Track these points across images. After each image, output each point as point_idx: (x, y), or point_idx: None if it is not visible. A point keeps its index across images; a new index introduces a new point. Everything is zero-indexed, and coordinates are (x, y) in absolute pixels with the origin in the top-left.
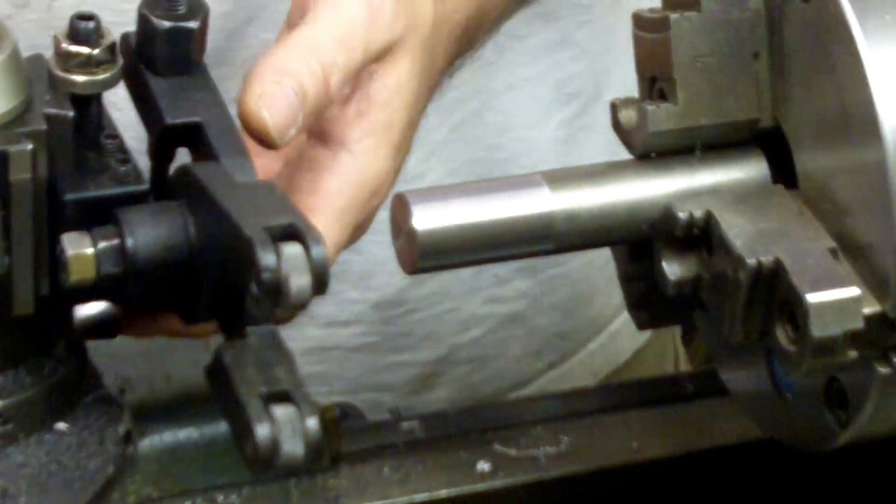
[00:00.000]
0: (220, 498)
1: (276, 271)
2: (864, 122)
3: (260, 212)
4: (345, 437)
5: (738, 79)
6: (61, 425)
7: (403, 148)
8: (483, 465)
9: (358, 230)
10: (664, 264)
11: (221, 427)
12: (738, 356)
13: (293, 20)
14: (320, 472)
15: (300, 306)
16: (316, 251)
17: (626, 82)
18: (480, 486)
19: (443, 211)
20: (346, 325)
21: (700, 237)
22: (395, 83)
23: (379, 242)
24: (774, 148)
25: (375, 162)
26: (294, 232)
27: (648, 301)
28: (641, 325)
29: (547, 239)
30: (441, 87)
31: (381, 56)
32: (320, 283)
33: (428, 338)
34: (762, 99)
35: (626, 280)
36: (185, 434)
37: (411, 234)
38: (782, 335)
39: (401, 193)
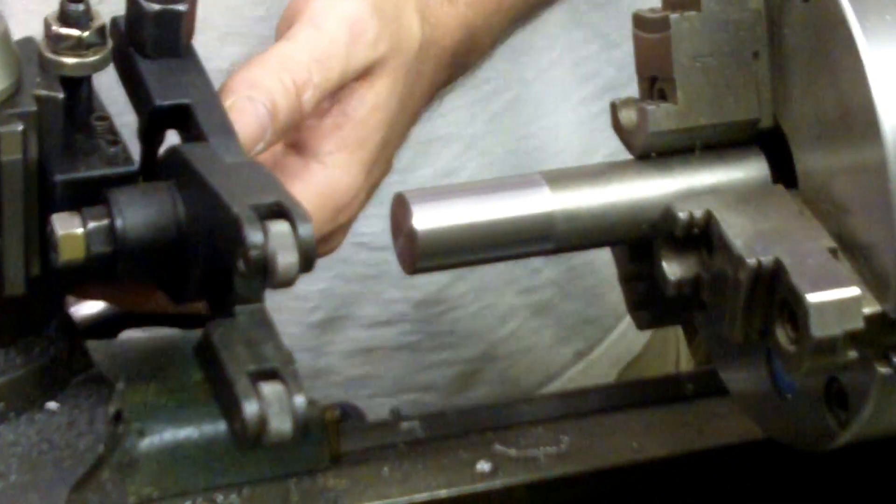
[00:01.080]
0: (220, 498)
1: (264, 249)
2: (864, 122)
3: (247, 190)
4: (345, 437)
5: (738, 79)
6: (52, 404)
7: (378, 167)
8: (483, 465)
9: (323, 243)
10: (664, 264)
11: (221, 427)
12: (738, 356)
13: (280, 32)
14: (320, 472)
15: (287, 283)
16: (303, 229)
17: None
18: (480, 486)
19: (443, 211)
20: (388, 325)
21: (700, 237)
22: (373, 101)
23: None
24: (774, 148)
25: (345, 176)
26: (281, 210)
27: (649, 301)
28: (642, 326)
29: (547, 239)
30: (430, 109)
31: (362, 75)
32: (307, 260)
33: (469, 335)
34: (762, 99)
35: (627, 280)
36: (185, 434)
37: (411, 234)
38: (782, 335)
39: (401, 193)
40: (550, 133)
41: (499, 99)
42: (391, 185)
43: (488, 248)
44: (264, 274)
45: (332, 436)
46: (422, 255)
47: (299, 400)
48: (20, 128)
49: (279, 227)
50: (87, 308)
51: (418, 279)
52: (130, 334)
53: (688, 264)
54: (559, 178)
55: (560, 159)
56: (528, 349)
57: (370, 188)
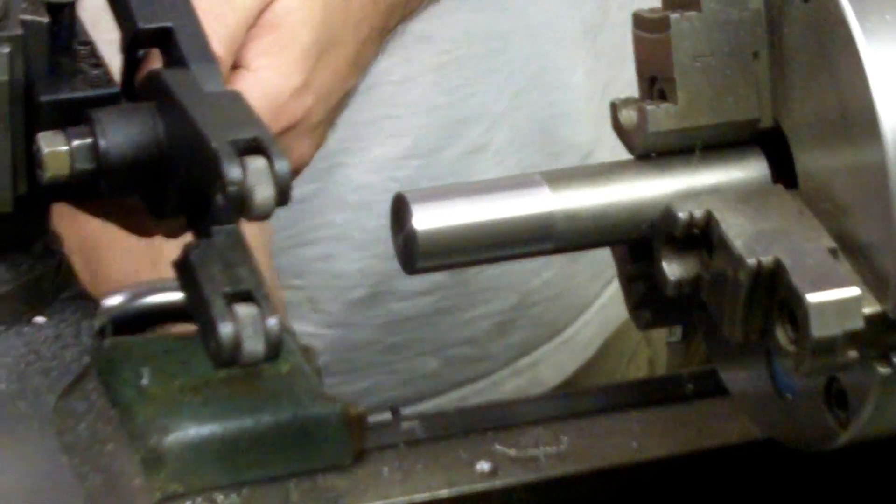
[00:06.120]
0: (220, 498)
1: (242, 184)
2: (864, 122)
3: (226, 123)
4: None
5: (738, 79)
6: (39, 319)
7: (319, 71)
8: (483, 465)
9: None
10: (664, 264)
11: (247, 423)
12: (738, 356)
13: None
14: (320, 472)
15: (264, 216)
16: (279, 165)
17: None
18: (480, 486)
19: (443, 211)
20: (427, 294)
21: (700, 237)
22: (283, 10)
23: None
24: (774, 148)
25: (274, 77)
26: (259, 145)
27: (649, 301)
28: (642, 325)
29: (547, 239)
30: (387, 36)
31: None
32: (283, 194)
33: (503, 289)
34: (762, 99)
35: (627, 280)
36: (209, 430)
37: (411, 234)
38: (782, 335)
39: (401, 193)
40: (569, 97)
41: (521, 75)
42: (418, 169)
43: (488, 248)
44: (242, 208)
45: (356, 432)
46: (422, 255)
47: (272, 322)
48: (7, 50)
49: (257, 163)
50: (113, 302)
51: None
52: (156, 330)
53: (688, 264)
54: (559, 178)
55: (581, 127)
56: (562, 293)
57: (318, 93)
